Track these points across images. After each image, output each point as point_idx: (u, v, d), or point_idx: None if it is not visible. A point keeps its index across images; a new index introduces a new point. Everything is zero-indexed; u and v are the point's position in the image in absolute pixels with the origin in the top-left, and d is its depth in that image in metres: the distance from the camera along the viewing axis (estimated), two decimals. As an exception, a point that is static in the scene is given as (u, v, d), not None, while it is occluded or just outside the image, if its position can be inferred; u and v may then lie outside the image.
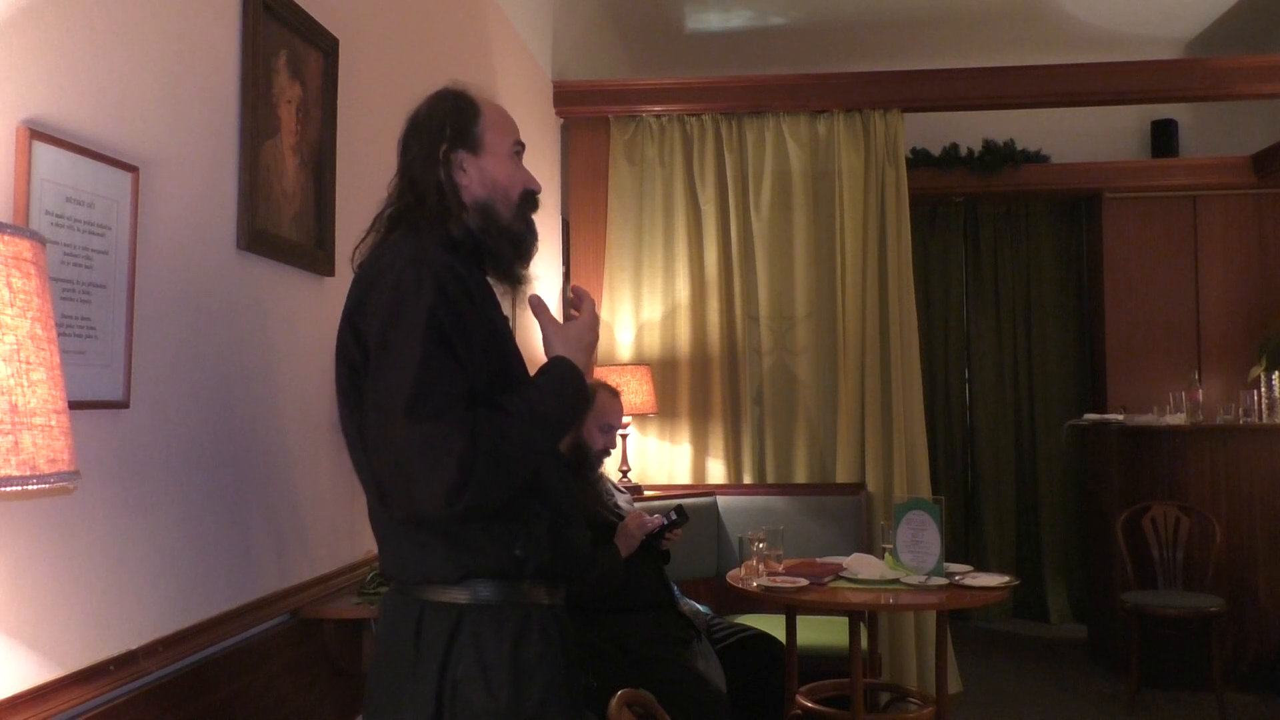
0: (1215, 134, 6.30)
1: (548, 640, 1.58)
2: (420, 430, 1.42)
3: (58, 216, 1.51)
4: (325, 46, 2.40)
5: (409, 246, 1.59)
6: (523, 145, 1.77)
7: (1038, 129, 6.05)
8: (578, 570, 1.68)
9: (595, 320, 1.71)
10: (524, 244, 1.72)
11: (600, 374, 4.50)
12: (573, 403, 1.63)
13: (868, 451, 4.66)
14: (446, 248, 1.62)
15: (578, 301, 1.73)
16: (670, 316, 4.85)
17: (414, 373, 1.45)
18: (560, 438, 1.65)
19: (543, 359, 1.70)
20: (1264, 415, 5.02)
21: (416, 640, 1.54)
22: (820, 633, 3.91)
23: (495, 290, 1.71)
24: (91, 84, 1.60)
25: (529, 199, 1.73)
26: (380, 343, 1.51)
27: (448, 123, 1.69)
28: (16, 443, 1.07)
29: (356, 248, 1.73)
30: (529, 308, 1.73)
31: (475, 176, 1.68)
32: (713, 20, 5.75)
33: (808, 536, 4.36)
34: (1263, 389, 5.09)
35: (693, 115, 4.88)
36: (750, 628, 3.55)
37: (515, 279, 1.72)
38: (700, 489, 4.68)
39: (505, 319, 1.70)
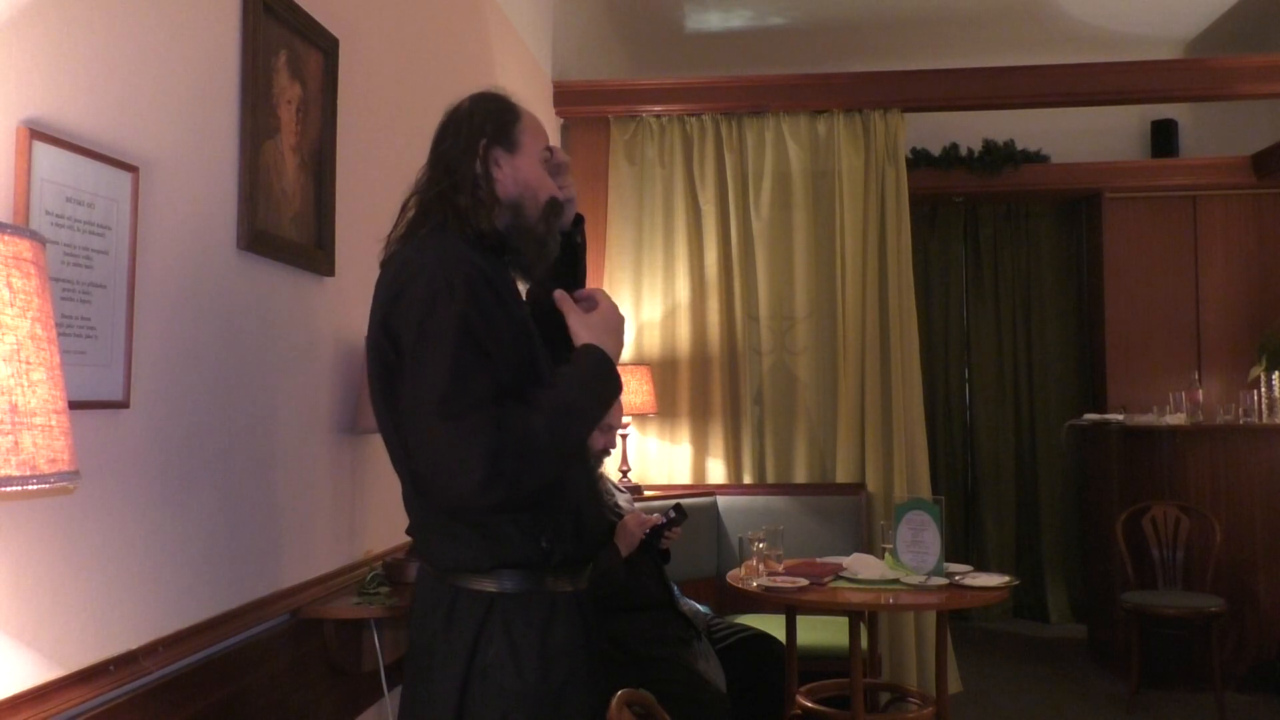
0: (1215, 134, 6.30)
1: (572, 626, 1.67)
2: (451, 428, 1.48)
3: (58, 216, 1.51)
4: (325, 46, 2.40)
5: (438, 247, 1.63)
6: (551, 152, 1.82)
7: (1038, 129, 6.05)
8: (596, 552, 1.78)
9: (613, 305, 1.76)
10: (546, 247, 1.77)
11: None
12: (602, 388, 1.66)
13: (868, 451, 4.66)
14: (472, 244, 1.67)
15: (590, 303, 1.76)
16: (670, 316, 4.85)
17: (446, 373, 1.51)
18: (593, 424, 1.67)
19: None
20: (1264, 415, 5.02)
21: (448, 624, 1.63)
22: (820, 633, 3.91)
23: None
24: (91, 84, 1.60)
25: (553, 206, 1.78)
26: (414, 344, 1.56)
27: (489, 120, 1.75)
28: (16, 443, 1.07)
29: (389, 237, 1.76)
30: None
31: (509, 174, 1.74)
32: (713, 20, 5.75)
33: (808, 536, 4.36)
34: (1263, 389, 5.09)
35: (693, 115, 4.88)
36: (750, 628, 3.55)
37: (534, 278, 1.81)
38: (700, 489, 4.68)
39: (524, 307, 1.75)
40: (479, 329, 1.54)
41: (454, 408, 1.49)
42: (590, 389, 1.63)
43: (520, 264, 1.76)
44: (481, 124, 1.75)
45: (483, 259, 1.65)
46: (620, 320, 1.75)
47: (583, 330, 1.70)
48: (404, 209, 1.76)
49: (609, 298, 1.77)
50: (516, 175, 1.74)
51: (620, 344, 1.74)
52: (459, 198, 1.70)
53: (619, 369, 1.74)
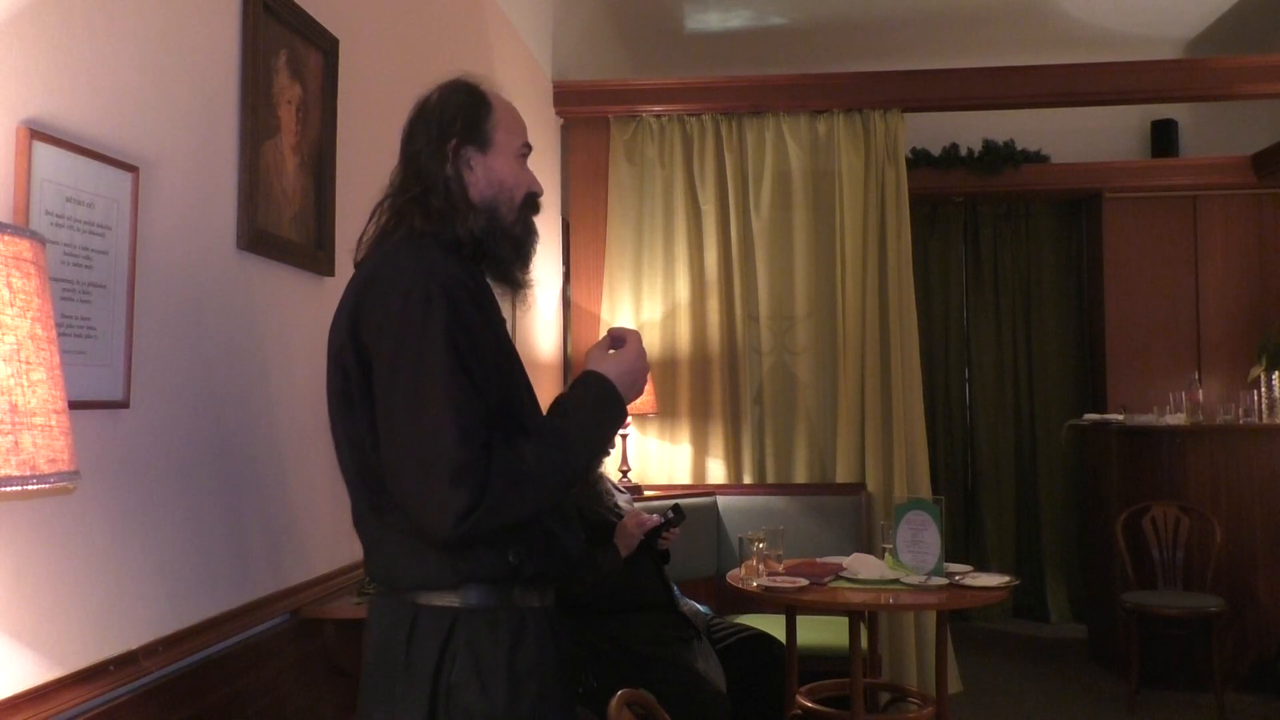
0: (1215, 134, 6.30)
1: (542, 644, 1.57)
2: (440, 456, 1.42)
3: (58, 216, 1.51)
4: (325, 46, 2.40)
5: (414, 253, 1.55)
6: (529, 147, 1.74)
7: (1038, 129, 6.05)
8: (570, 573, 1.68)
9: (640, 351, 1.66)
10: (524, 247, 1.70)
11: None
12: (604, 417, 1.58)
13: (868, 451, 4.66)
14: (450, 250, 1.60)
15: (619, 343, 1.68)
16: (670, 316, 4.85)
17: (451, 431, 1.42)
18: (591, 455, 1.60)
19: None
20: (1264, 415, 5.02)
21: (409, 644, 1.53)
22: (820, 633, 3.91)
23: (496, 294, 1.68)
24: (91, 84, 1.60)
25: (531, 201, 1.71)
26: (392, 365, 1.48)
27: (459, 116, 1.66)
28: (16, 443, 1.07)
29: (360, 239, 1.70)
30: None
31: (482, 175, 1.66)
32: (713, 20, 5.75)
33: (808, 536, 4.36)
34: (1263, 389, 5.09)
35: (693, 115, 4.88)
36: (750, 628, 3.55)
37: (515, 283, 1.71)
38: (700, 489, 4.68)
39: (505, 324, 1.67)
40: (465, 350, 1.46)
41: (466, 475, 1.41)
42: (592, 418, 1.56)
43: (500, 269, 1.67)
44: (451, 120, 1.65)
45: (460, 268, 1.56)
46: (641, 368, 1.65)
47: (598, 363, 1.62)
48: (376, 211, 1.68)
49: (640, 343, 1.67)
50: (489, 175, 1.66)
51: (635, 388, 1.64)
52: (431, 200, 1.61)
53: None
